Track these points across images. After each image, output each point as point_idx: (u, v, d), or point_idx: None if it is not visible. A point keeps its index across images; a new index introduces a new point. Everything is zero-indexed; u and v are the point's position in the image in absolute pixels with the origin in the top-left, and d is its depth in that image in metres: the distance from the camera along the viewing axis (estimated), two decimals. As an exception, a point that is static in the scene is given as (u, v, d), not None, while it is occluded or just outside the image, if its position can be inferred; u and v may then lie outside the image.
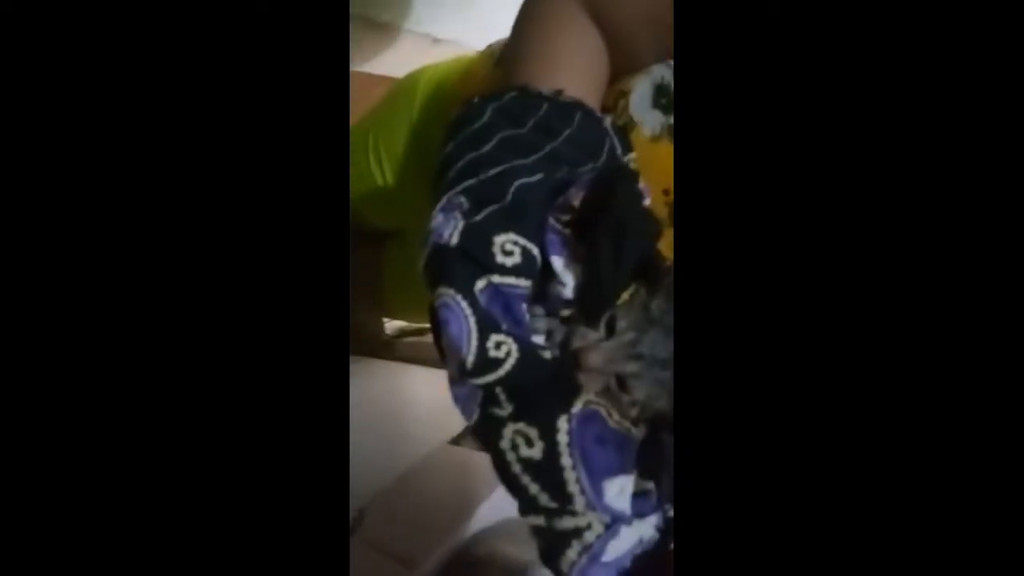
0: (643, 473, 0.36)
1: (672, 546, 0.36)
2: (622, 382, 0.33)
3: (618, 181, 0.35)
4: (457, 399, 0.34)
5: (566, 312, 0.35)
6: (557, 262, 0.35)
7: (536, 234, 0.35)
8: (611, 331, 0.34)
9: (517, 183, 0.35)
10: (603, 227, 0.34)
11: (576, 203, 0.35)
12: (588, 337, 0.34)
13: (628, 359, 0.33)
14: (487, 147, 0.38)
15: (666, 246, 0.54)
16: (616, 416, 0.34)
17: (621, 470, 0.32)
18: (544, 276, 0.35)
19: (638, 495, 0.35)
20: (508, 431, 0.32)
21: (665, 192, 0.53)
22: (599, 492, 0.31)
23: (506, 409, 0.32)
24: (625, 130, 0.49)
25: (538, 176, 0.36)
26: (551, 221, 0.35)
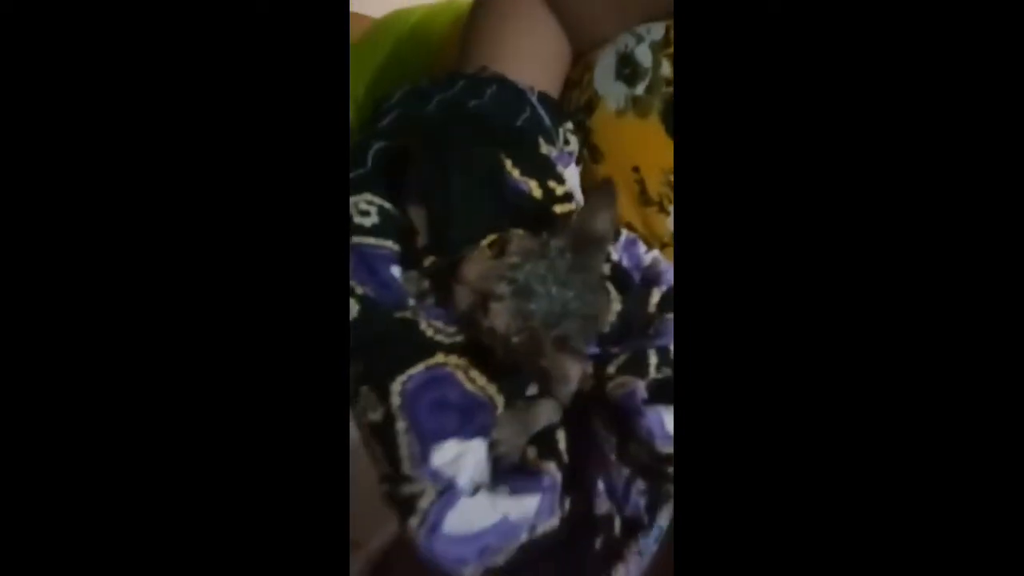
0: (544, 453, 0.33)
1: (598, 546, 0.32)
2: (485, 304, 0.30)
3: (451, 125, 0.34)
4: None
5: (429, 260, 0.34)
6: (413, 210, 0.34)
7: (396, 194, 0.34)
8: (501, 253, 0.32)
9: (375, 147, 0.35)
10: (431, 171, 0.33)
11: (418, 150, 0.34)
12: (477, 253, 0.32)
13: (500, 279, 0.30)
14: (381, 123, 0.38)
15: (641, 223, 0.50)
16: (480, 380, 0.31)
17: (457, 433, 0.29)
18: (411, 231, 0.35)
19: (525, 472, 0.32)
20: (360, 393, 0.31)
21: (635, 169, 0.49)
22: (425, 456, 0.28)
23: (355, 369, 0.31)
24: (556, 103, 0.47)
25: (396, 142, 0.36)
26: (409, 175, 0.34)
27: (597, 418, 0.32)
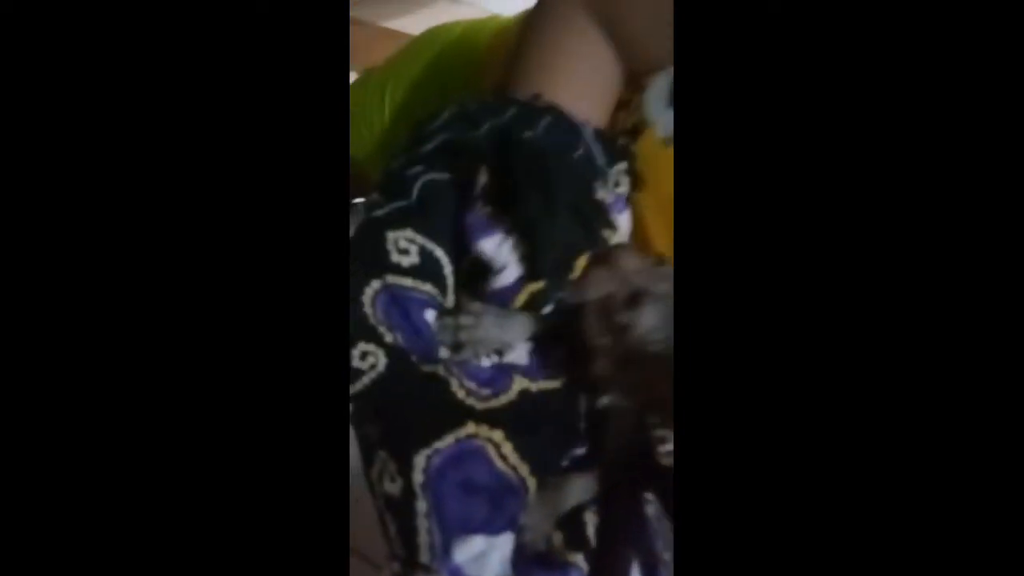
0: (571, 540, 0.30)
1: None
2: (636, 299, 0.28)
3: (504, 154, 0.32)
4: None
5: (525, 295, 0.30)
6: (488, 245, 0.30)
7: (442, 234, 0.31)
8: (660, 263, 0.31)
9: (423, 180, 0.32)
10: (523, 186, 0.31)
11: (484, 182, 0.31)
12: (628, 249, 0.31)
13: (659, 279, 0.29)
14: (426, 148, 0.34)
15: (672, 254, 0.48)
16: (512, 458, 0.28)
17: (485, 528, 0.26)
18: (476, 278, 0.31)
19: (551, 563, 0.29)
20: (378, 457, 0.28)
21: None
22: (447, 551, 0.25)
23: (375, 430, 0.28)
24: (615, 136, 0.43)
25: (448, 175, 0.32)
26: (470, 211, 0.31)
27: (650, 496, 0.29)
